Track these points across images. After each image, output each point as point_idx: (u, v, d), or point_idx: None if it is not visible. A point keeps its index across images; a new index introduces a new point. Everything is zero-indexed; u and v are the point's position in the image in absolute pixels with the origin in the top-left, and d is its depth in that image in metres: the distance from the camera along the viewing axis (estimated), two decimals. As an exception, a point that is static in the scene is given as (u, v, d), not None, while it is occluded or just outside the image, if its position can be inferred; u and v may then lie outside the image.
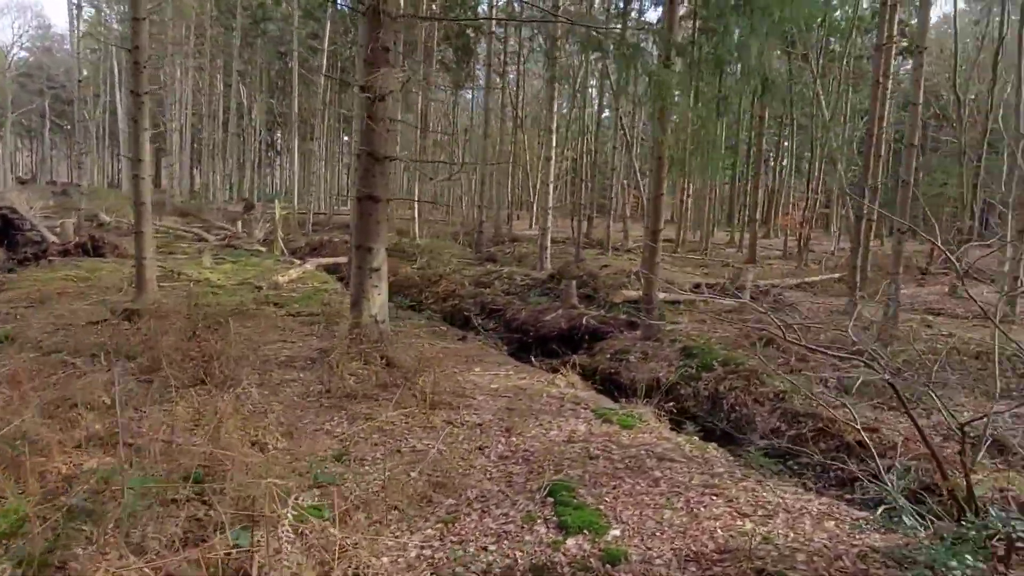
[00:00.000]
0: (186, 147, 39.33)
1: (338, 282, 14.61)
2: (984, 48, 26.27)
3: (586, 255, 24.13)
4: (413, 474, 4.87)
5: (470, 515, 4.36)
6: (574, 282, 12.68)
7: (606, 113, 33.07)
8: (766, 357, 10.40)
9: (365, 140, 7.35)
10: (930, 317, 15.42)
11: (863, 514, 4.70)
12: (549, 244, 17.08)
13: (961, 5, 47.59)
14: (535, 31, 27.92)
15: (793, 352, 10.10)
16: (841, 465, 5.93)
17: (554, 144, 16.90)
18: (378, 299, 7.52)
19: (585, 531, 4.13)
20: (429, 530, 4.14)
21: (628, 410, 6.70)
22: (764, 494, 4.87)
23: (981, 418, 5.10)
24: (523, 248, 22.44)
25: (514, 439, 5.74)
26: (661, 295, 14.07)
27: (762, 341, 10.38)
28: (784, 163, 35.55)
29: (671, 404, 7.36)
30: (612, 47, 7.25)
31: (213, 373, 6.36)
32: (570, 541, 4.05)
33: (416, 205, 23.88)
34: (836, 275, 18.63)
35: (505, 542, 4.04)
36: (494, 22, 20.11)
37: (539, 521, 4.28)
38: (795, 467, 7.20)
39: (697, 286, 17.56)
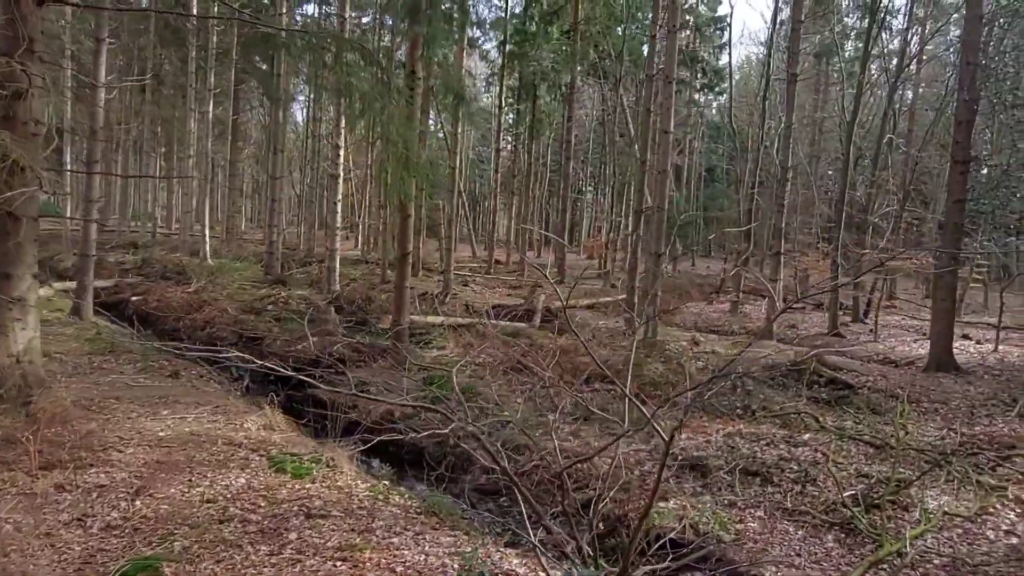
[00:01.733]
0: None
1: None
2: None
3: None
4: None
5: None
6: (332, 307, 11.87)
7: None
8: (519, 383, 10.33)
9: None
10: (704, 335, 16.36)
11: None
12: (337, 266, 16.09)
13: (756, 48, 52.83)
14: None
15: (544, 377, 9.97)
16: (539, 506, 5.56)
17: (341, 160, 16.01)
18: (22, 335, 6.20)
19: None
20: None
21: (317, 455, 5.94)
22: (409, 553, 4.30)
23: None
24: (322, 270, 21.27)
25: (140, 503, 4.77)
26: (439, 319, 13.62)
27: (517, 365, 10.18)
28: (598, 186, 37.08)
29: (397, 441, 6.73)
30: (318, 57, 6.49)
31: None
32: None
33: (206, 221, 21.88)
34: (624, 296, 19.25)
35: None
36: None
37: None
38: (506, 504, 6.83)
39: (495, 307, 17.40)
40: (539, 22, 24.54)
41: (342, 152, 15.98)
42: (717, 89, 32.04)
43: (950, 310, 12.48)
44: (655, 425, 3.57)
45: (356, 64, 5.97)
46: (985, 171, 15.16)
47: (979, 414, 9.74)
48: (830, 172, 24.94)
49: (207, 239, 21.73)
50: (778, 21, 21.26)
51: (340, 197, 16.07)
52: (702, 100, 36.81)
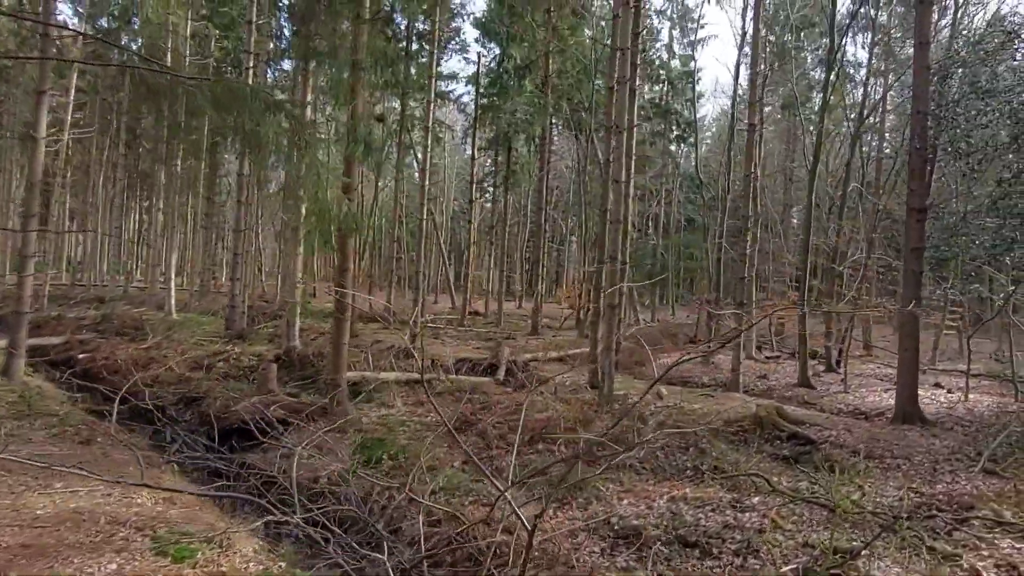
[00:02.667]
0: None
1: None
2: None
3: (367, 329, 23.03)
4: None
5: None
6: (274, 364, 11.47)
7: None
8: (466, 443, 9.87)
9: None
10: (672, 387, 15.95)
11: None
12: (297, 319, 15.70)
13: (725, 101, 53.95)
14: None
15: (493, 436, 9.54)
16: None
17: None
18: None
19: None
20: None
21: (211, 534, 5.48)
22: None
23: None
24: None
25: (-16, 598, 4.30)
26: (392, 375, 13.21)
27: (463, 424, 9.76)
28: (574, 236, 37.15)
29: (318, 511, 6.27)
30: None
31: None
32: None
33: (172, 274, 21.53)
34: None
35: None
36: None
37: None
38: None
39: (461, 361, 17.00)
40: (513, 75, 24.87)
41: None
42: (691, 140, 32.46)
43: (914, 360, 12.20)
44: (512, 503, 3.20)
45: (260, 113, 5.76)
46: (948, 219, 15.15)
47: (942, 470, 9.35)
48: (795, 221, 25.02)
49: (172, 293, 21.35)
50: (741, 74, 21.63)
51: (300, 251, 15.80)
52: (677, 151, 37.27)
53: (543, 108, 24.64)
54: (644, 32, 31.22)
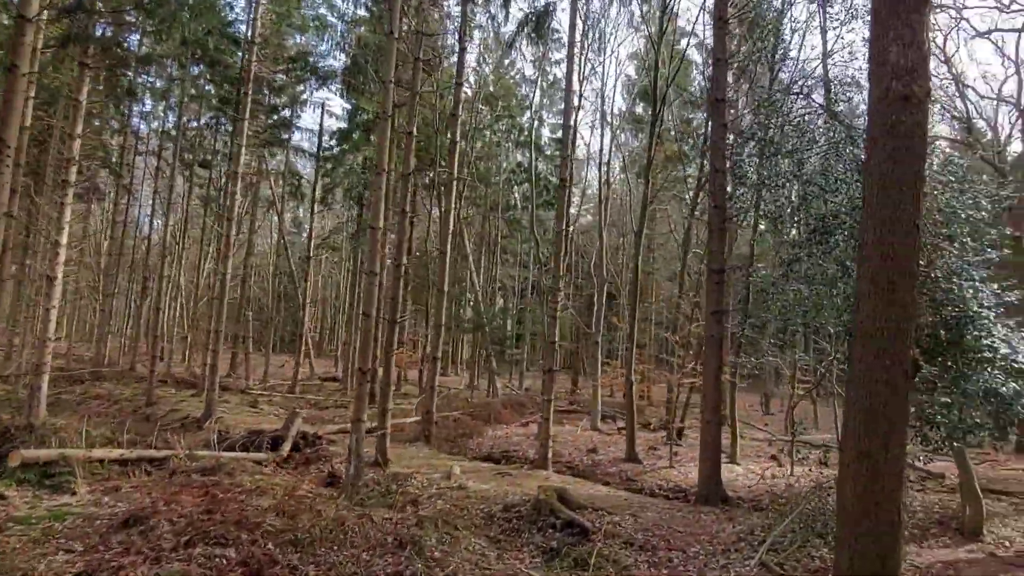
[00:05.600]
0: None
1: None
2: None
3: (175, 396, 20.45)
4: None
5: None
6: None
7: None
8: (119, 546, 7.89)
9: None
10: (481, 464, 14.28)
11: None
12: (44, 385, 13.25)
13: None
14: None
15: (159, 536, 7.57)
16: None
17: (61, 259, 13.61)
18: None
19: None
20: None
21: None
22: None
23: None
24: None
25: None
26: (54, 453, 10.90)
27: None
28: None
29: None
30: None
31: None
32: None
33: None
34: (413, 419, 17.20)
35: None
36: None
37: None
38: None
39: (252, 434, 14.86)
40: (360, 130, 23.79)
41: (62, 251, 13.60)
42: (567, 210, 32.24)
43: (716, 435, 11.21)
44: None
45: None
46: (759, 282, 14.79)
47: (714, 565, 8.12)
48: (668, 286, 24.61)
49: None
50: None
51: (55, 303, 13.51)
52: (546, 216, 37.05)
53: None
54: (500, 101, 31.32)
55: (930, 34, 4.89)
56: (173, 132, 21.69)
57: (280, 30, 21.51)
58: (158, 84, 25.25)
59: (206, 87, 24.95)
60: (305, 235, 27.11)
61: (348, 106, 26.18)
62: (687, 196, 20.14)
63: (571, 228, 29.33)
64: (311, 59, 24.77)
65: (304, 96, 26.83)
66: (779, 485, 13.20)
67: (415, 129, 12.53)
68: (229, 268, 16.59)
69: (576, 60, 16.03)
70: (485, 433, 17.44)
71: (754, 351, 14.19)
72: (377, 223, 9.39)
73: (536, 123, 32.84)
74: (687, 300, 17.32)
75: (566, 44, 15.17)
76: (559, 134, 33.41)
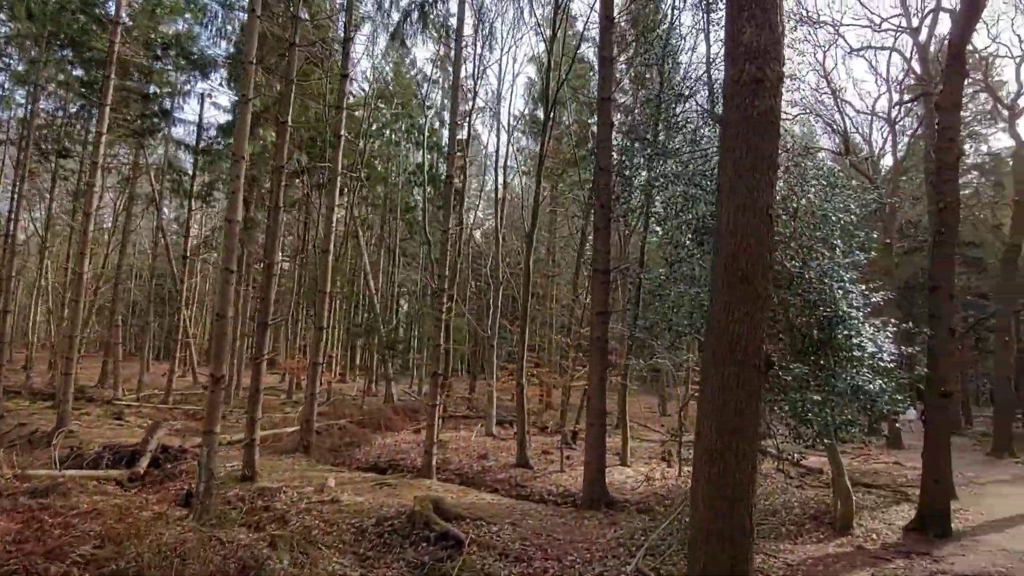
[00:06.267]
0: None
1: None
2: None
3: (31, 407, 18.43)
4: None
5: None
6: None
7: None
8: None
9: None
10: (361, 474, 13.48)
11: None
12: None
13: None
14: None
15: None
16: None
17: None
18: None
19: None
20: None
21: None
22: None
23: None
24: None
25: None
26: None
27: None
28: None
29: None
30: None
31: None
32: None
33: None
34: (295, 428, 16.15)
35: None
36: None
37: None
38: None
39: (106, 448, 13.44)
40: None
41: None
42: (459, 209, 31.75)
43: (600, 437, 11.01)
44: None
45: None
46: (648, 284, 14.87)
47: (590, 572, 7.82)
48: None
49: None
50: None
51: None
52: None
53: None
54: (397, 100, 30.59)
55: (783, 19, 4.73)
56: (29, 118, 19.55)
57: (154, 13, 19.90)
58: (20, 68, 22.91)
59: (75, 72, 22.84)
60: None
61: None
62: (584, 199, 20.15)
63: (467, 229, 28.98)
64: (192, 47, 23.11)
65: (188, 87, 25.09)
66: (667, 487, 13.22)
67: (290, 119, 11.68)
68: (87, 267, 14.98)
69: (467, 55, 15.63)
70: (374, 441, 16.62)
71: (645, 353, 14.17)
72: (234, 215, 8.54)
73: (438, 124, 32.24)
74: (579, 303, 17.22)
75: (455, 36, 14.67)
76: (461, 135, 33.07)
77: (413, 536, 8.75)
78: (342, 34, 15.50)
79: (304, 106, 21.47)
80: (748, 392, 4.12)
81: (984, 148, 31.44)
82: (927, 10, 20.99)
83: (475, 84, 19.71)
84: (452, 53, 28.14)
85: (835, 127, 26.06)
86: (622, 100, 19.58)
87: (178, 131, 26.76)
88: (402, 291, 36.54)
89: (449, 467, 14.45)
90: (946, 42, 13.12)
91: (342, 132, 13.95)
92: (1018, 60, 27.63)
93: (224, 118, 28.11)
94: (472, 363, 31.50)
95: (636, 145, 11.52)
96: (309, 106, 21.47)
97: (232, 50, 21.39)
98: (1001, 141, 42.68)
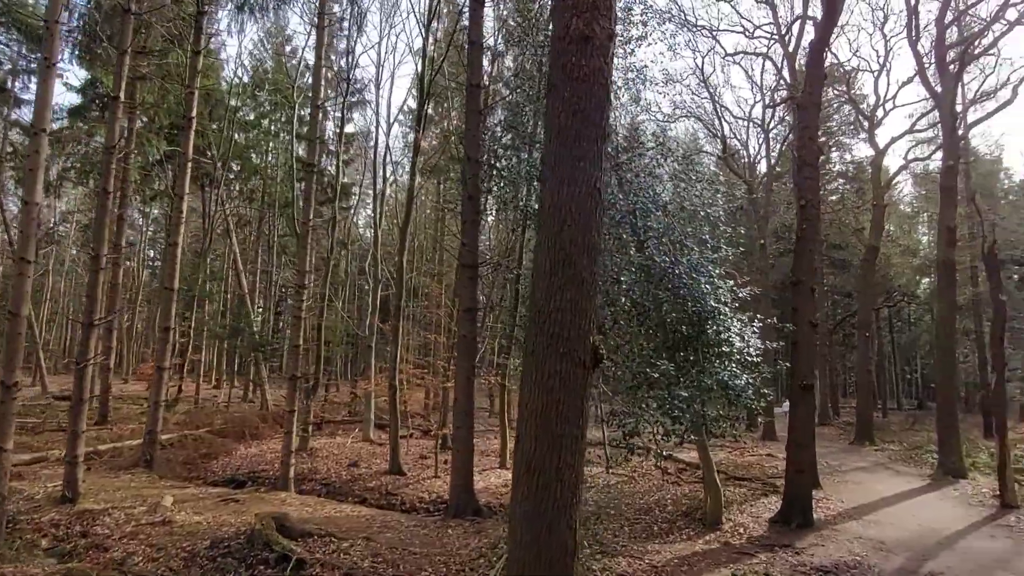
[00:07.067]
0: None
1: None
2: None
3: None
4: None
5: None
6: None
7: None
8: None
9: None
10: (206, 490, 12.19)
11: None
12: None
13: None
14: None
15: None
16: None
17: None
18: None
19: None
20: None
21: None
22: None
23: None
24: None
25: None
26: None
27: None
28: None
29: None
30: None
31: None
32: None
33: None
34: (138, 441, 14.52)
35: None
36: None
37: None
38: None
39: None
40: (99, 106, 20.26)
41: None
42: (341, 204, 30.44)
43: (468, 440, 10.41)
44: None
45: None
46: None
47: (442, 590, 7.21)
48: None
49: None
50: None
51: None
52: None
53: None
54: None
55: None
56: None
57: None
58: None
59: None
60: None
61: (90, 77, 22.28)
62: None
63: (347, 224, 27.72)
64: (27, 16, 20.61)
65: (32, 64, 22.42)
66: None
67: (122, 93, 10.33)
68: None
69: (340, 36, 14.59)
70: (235, 452, 15.27)
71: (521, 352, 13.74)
72: (32, 196, 7.28)
73: (321, 116, 30.68)
74: (458, 302, 16.59)
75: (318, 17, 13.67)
76: (349, 128, 31.71)
77: (250, 559, 7.82)
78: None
79: (164, 89, 19.64)
80: (571, 391, 3.61)
81: (848, 156, 33.63)
82: (794, 17, 22.00)
83: (349, 69, 18.70)
84: (338, 44, 26.94)
85: (715, 132, 26.95)
86: (507, 95, 19.12)
87: (24, 113, 23.97)
88: (286, 291, 34.65)
89: (316, 476, 13.44)
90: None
91: (193, 114, 12.67)
92: (876, 74, 29.61)
93: (77, 99, 25.45)
94: (353, 366, 30.24)
95: (509, 135, 11.03)
96: (169, 89, 19.64)
97: (77, 22, 19.22)
98: (862, 150, 46.10)
